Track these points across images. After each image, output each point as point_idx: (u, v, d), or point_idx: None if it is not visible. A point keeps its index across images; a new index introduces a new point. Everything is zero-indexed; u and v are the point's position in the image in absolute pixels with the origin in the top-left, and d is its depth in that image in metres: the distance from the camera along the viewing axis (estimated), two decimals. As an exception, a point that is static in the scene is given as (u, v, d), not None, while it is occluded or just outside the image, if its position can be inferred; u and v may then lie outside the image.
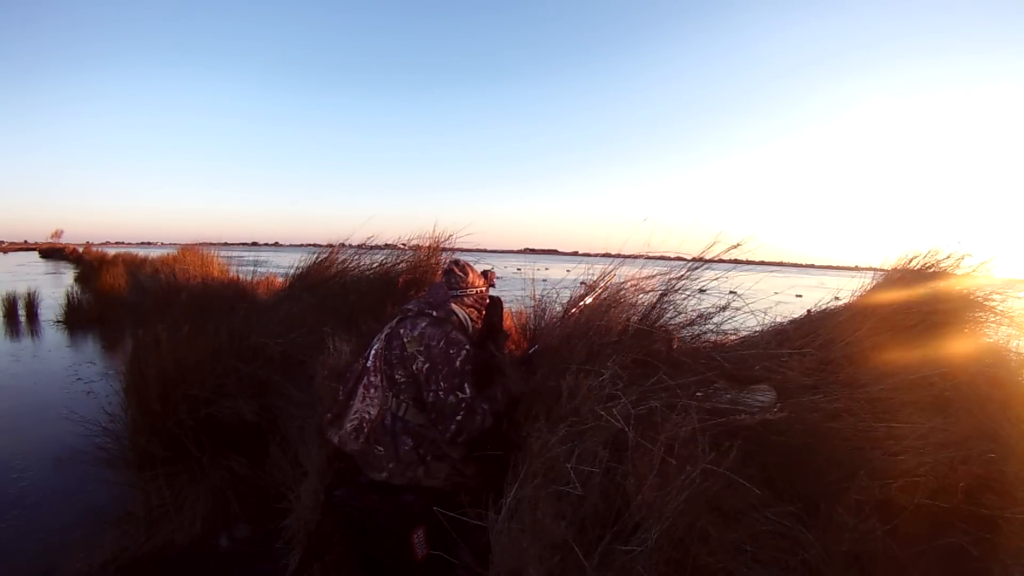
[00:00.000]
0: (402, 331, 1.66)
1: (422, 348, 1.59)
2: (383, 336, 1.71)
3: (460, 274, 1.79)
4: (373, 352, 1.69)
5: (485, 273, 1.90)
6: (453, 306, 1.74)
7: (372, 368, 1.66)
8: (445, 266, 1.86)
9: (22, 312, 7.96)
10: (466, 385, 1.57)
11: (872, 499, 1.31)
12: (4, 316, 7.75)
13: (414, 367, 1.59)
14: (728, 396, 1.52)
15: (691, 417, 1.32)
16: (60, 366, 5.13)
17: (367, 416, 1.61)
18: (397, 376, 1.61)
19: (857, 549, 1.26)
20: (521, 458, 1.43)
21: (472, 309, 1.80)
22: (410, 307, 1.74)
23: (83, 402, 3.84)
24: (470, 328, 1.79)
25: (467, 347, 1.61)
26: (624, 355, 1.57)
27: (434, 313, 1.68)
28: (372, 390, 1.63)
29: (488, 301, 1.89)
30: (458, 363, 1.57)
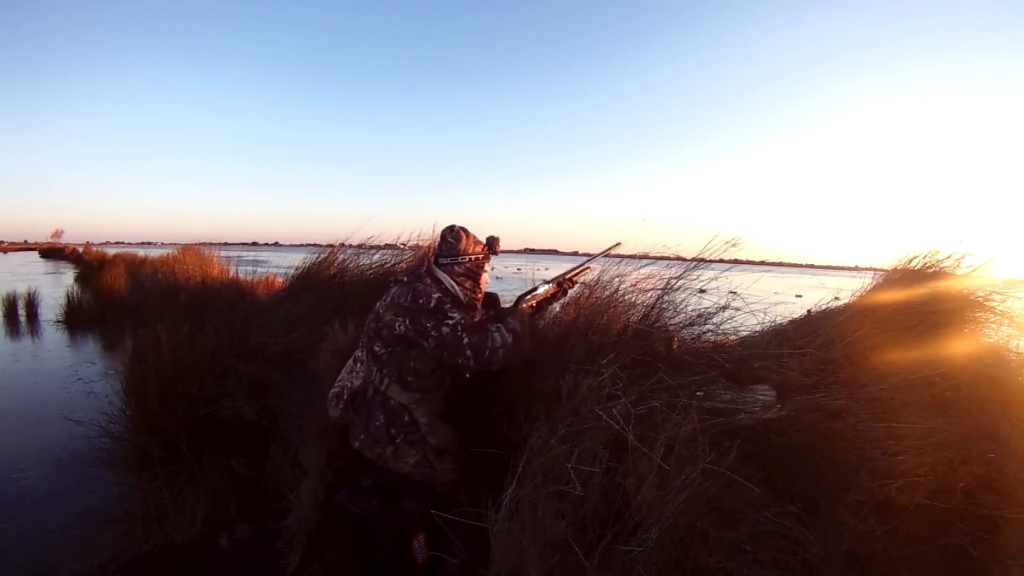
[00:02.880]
0: (379, 303, 1.67)
1: (394, 310, 1.58)
2: (371, 313, 1.72)
3: (451, 240, 1.71)
4: (365, 329, 1.73)
5: (490, 240, 1.79)
6: (439, 273, 1.70)
7: (362, 344, 1.70)
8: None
9: (22, 312, 7.97)
10: (451, 312, 1.53)
11: (872, 499, 1.31)
12: (4, 316, 7.76)
13: (396, 332, 1.57)
14: (728, 396, 1.52)
15: (691, 417, 1.31)
16: (60, 366, 5.14)
17: (348, 386, 1.67)
18: (377, 349, 1.61)
19: (857, 549, 1.26)
20: (521, 458, 1.43)
21: (465, 278, 1.71)
22: (391, 280, 1.75)
23: (83, 402, 3.85)
24: (462, 297, 1.70)
25: (436, 295, 1.58)
26: (624, 355, 1.57)
27: (405, 279, 1.67)
28: (359, 364, 1.68)
29: (485, 270, 1.79)
30: (432, 304, 1.55)
